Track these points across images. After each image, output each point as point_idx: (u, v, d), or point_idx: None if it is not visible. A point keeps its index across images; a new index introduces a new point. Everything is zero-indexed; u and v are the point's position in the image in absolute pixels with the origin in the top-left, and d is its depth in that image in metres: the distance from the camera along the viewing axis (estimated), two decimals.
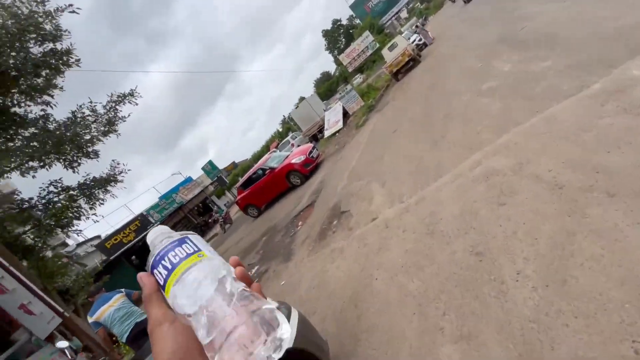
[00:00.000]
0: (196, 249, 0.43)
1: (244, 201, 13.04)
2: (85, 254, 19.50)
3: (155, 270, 0.43)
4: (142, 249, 20.70)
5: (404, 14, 62.78)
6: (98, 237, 23.20)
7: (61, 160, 9.09)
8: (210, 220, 23.95)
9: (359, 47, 46.40)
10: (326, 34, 73.01)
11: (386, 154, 6.77)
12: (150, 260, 0.44)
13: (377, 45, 43.74)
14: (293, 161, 11.73)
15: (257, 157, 35.95)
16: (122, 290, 4.83)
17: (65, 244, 36.81)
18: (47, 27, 7.82)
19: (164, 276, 0.41)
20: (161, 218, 21.92)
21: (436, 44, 17.70)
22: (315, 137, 22.09)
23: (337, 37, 72.98)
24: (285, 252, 6.62)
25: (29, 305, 6.56)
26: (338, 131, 15.99)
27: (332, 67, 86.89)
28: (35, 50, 8.18)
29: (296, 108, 21.27)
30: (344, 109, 16.86)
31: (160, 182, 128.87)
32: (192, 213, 28.09)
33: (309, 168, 11.74)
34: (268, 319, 0.38)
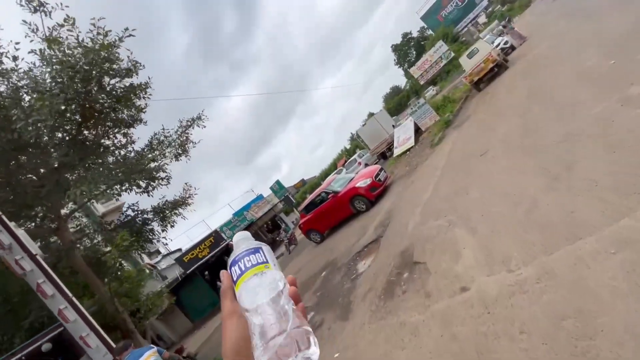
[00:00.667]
0: (264, 260, 0.52)
1: (307, 226, 12.23)
2: (168, 266, 20.80)
3: (232, 268, 0.52)
4: (214, 265, 21.37)
5: (482, 19, 58.01)
6: (179, 250, 24.84)
7: (133, 188, 9.42)
8: (277, 239, 23.90)
9: (431, 57, 43.73)
10: (396, 48, 71.23)
11: (473, 186, 5.20)
12: (231, 258, 0.53)
13: (452, 54, 40.60)
14: (358, 185, 10.56)
15: (325, 174, 35.60)
16: (153, 346, 4.18)
17: (158, 252, 40.79)
18: (123, 62, 8.13)
19: (237, 275, 0.50)
20: (232, 235, 22.57)
21: (527, 46, 15.03)
22: (384, 155, 20.64)
23: (407, 50, 70.62)
24: (344, 303, 5.43)
25: (86, 337, 6.52)
26: (409, 149, 14.37)
27: (401, 81, 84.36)
28: (115, 84, 8.59)
29: (363, 125, 20.19)
30: (415, 124, 15.20)
31: (234, 199, 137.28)
32: (262, 230, 28.58)
33: (376, 193, 10.43)
34: (303, 337, 0.44)
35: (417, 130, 15.53)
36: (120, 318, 8.52)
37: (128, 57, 8.01)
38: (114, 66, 7.74)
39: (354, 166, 22.40)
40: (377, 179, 10.67)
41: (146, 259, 35.84)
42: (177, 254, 22.24)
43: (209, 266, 20.84)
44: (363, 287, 5.34)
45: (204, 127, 10.86)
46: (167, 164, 10.50)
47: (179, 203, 11.21)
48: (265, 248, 0.54)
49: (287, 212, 32.60)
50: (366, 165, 22.02)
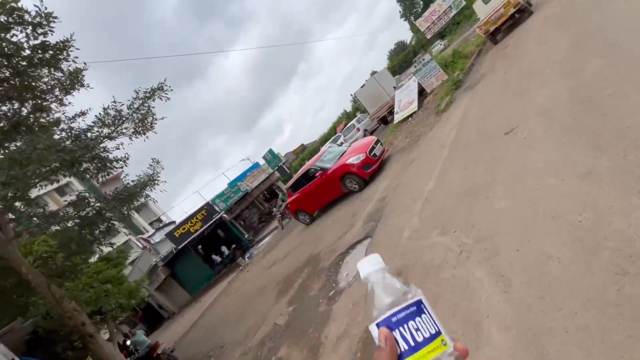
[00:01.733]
0: (437, 330, 0.40)
1: (294, 206, 10.73)
2: (163, 239, 19.88)
3: (393, 333, 0.39)
4: (208, 239, 20.40)
5: None
6: (173, 222, 23.89)
7: (78, 175, 7.83)
8: (274, 210, 22.66)
9: (439, 7, 39.37)
10: None
11: (496, 187, 3.50)
12: (380, 312, 0.40)
13: (464, 3, 36.41)
14: (349, 161, 8.84)
15: (325, 139, 33.61)
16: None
17: (159, 220, 40.22)
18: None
19: (405, 351, 0.38)
20: (226, 207, 21.32)
21: None
22: (385, 119, 18.56)
23: (414, 0, 64.38)
24: (312, 342, 4.02)
25: None
26: (411, 115, 12.38)
27: (407, 36, 78.48)
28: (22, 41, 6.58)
29: (362, 87, 17.91)
30: (419, 85, 13.04)
31: (229, 168, 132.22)
32: (258, 199, 27.38)
33: (370, 171, 8.75)
34: None
35: (422, 93, 13.40)
36: (76, 322, 7.36)
37: (37, 7, 5.99)
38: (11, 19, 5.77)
39: (352, 132, 20.43)
40: (372, 154, 8.92)
41: (145, 226, 35.30)
42: (171, 227, 21.26)
43: (202, 240, 19.88)
44: (338, 322, 3.87)
45: (168, 99, 8.99)
46: (123, 143, 8.82)
47: (146, 184, 9.62)
48: (424, 301, 0.42)
49: (285, 181, 31.21)
50: (365, 132, 20.03)
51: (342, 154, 9.74)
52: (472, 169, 4.37)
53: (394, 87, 15.33)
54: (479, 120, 5.95)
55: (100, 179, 8.40)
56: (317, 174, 9.54)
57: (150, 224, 38.35)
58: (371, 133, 20.50)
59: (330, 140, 23.67)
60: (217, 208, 20.77)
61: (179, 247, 18.19)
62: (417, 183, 5.56)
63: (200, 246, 20.62)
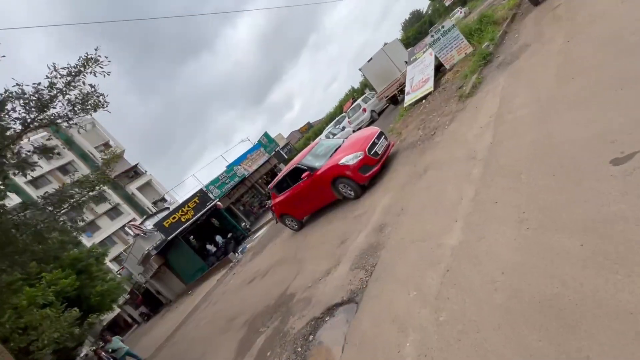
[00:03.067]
0: None
1: (279, 209, 8.81)
2: (152, 234, 18.48)
3: None
4: (201, 228, 18.92)
5: None
6: (168, 209, 22.48)
7: None
8: (266, 205, 20.79)
9: None
10: None
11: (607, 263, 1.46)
12: None
13: None
14: (343, 161, 6.74)
15: (331, 117, 31.09)
16: None
17: (163, 199, 39.11)
18: None
19: None
20: (221, 194, 19.61)
21: None
22: (395, 99, 16.07)
23: None
24: None
25: None
26: (426, 96, 10.02)
27: (423, 5, 72.57)
28: None
29: (369, 61, 15.32)
30: (436, 60, 10.53)
31: (227, 150, 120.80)
32: (259, 184, 25.58)
33: (369, 174, 6.64)
34: None
35: (439, 69, 10.91)
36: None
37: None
38: None
39: (358, 113, 18.00)
40: (373, 152, 6.76)
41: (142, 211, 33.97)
42: (164, 214, 19.79)
43: (195, 229, 18.39)
44: None
45: (108, 74, 6.93)
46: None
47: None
48: None
49: (287, 162, 29.19)
50: (372, 112, 17.58)
51: (336, 149, 7.61)
52: (535, 221, 2.30)
53: (406, 62, 12.77)
54: (532, 117, 3.73)
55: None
56: (303, 175, 7.49)
57: (154, 203, 37.39)
58: (379, 114, 18.04)
59: (334, 121, 21.30)
60: (211, 195, 19.09)
61: (168, 238, 16.73)
62: (431, 223, 3.48)
63: (192, 236, 19.20)
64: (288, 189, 8.25)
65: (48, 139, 35.20)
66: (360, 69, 16.00)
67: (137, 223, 20.83)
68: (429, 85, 10.12)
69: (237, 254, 15.24)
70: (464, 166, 3.98)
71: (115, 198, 37.01)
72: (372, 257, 3.98)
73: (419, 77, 10.84)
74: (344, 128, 13.91)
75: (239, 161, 22.15)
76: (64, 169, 35.14)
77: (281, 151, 21.37)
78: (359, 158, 6.62)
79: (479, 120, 5.00)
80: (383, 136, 7.33)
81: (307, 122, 38.66)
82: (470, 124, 5.18)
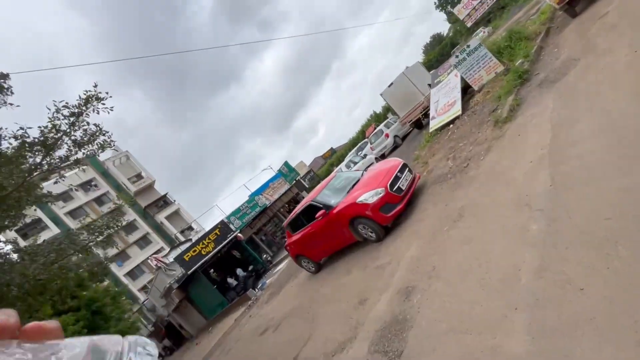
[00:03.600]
0: None
1: (294, 250, 7.98)
2: (173, 267, 18.14)
3: None
4: (222, 260, 18.36)
5: None
6: (189, 240, 22.29)
7: None
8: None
9: None
10: None
11: None
12: None
13: None
14: (362, 199, 5.86)
15: (353, 143, 30.46)
16: None
17: (190, 228, 39.56)
18: None
19: None
20: (242, 225, 19.12)
21: None
22: (419, 123, 15.14)
23: None
24: None
25: None
26: (453, 121, 9.08)
27: (444, 28, 72.44)
28: None
29: (390, 86, 14.67)
30: (463, 81, 9.64)
31: (250, 179, 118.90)
32: (281, 212, 25.00)
33: (392, 214, 5.70)
34: None
35: (466, 90, 9.99)
36: None
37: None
38: None
39: (380, 139, 17.17)
40: (396, 188, 5.85)
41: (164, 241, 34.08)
42: (186, 246, 19.52)
43: (215, 262, 17.86)
44: None
45: (110, 110, 6.66)
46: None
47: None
48: None
49: (309, 190, 28.58)
50: (395, 138, 16.69)
51: (355, 183, 6.77)
52: None
53: (429, 85, 11.97)
54: (611, 152, 2.73)
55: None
56: (318, 215, 6.66)
57: (182, 232, 37.79)
58: (402, 139, 17.10)
59: (356, 148, 20.58)
60: (232, 226, 18.65)
61: (188, 273, 16.24)
62: (477, 304, 2.49)
63: (213, 270, 18.65)
64: (303, 227, 7.44)
65: (85, 170, 37.13)
66: (381, 94, 15.36)
67: (161, 255, 20.69)
68: (456, 109, 9.19)
69: (256, 290, 14.40)
70: (515, 217, 2.99)
71: (144, 227, 37.92)
72: (396, 339, 3.00)
73: (444, 101, 9.95)
74: (365, 156, 13.09)
75: (260, 190, 21.78)
76: (99, 200, 36.66)
77: (302, 180, 20.78)
78: (380, 195, 5.73)
79: (525, 152, 4.01)
80: (407, 169, 6.42)
81: (330, 148, 38.33)
82: (514, 156, 4.19)
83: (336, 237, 6.73)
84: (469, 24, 34.41)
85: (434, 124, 9.93)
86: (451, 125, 9.09)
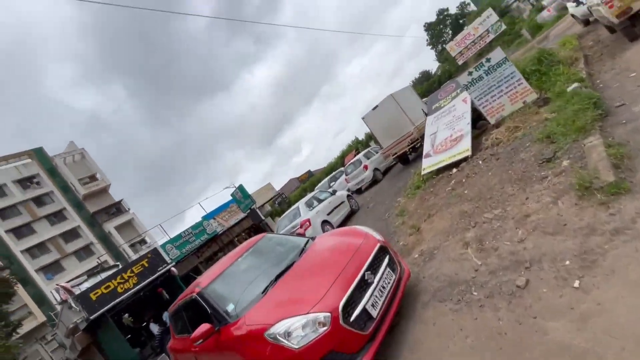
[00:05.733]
0: None
1: (177, 355, 4.39)
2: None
3: None
4: (145, 301, 14.12)
5: None
6: (117, 265, 17.92)
7: None
8: None
9: (475, 30, 32.58)
10: (429, 27, 59.77)
11: None
12: None
13: (504, 26, 30.16)
14: (278, 331, 2.47)
15: (331, 168, 27.32)
16: None
17: (143, 241, 34.49)
18: None
19: None
20: (180, 256, 15.06)
21: None
22: (405, 158, 12.12)
23: (442, 29, 59.06)
24: None
25: None
26: (457, 163, 5.98)
27: (432, 66, 72.90)
28: None
29: (374, 109, 11.67)
30: (474, 109, 6.63)
31: (207, 198, 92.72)
32: (240, 240, 21.03)
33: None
34: None
35: (475, 122, 7.00)
36: None
37: None
38: None
39: (358, 170, 14.03)
40: (356, 316, 2.47)
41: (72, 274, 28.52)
42: (109, 273, 15.10)
43: (132, 303, 13.59)
44: None
45: None
46: None
47: None
48: None
49: (276, 214, 24.83)
50: (375, 171, 13.56)
51: (288, 266, 3.35)
52: None
53: (424, 111, 8.99)
54: None
55: None
56: (200, 331, 3.11)
57: (131, 245, 32.74)
58: (384, 173, 14.00)
59: (329, 177, 17.33)
60: (167, 257, 14.60)
61: (91, 318, 11.99)
62: None
63: (127, 314, 14.37)
64: (185, 333, 3.85)
65: (27, 165, 31.91)
66: (363, 118, 12.32)
67: (70, 285, 16.11)
68: (464, 147, 6.09)
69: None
70: None
71: (89, 236, 32.66)
72: None
73: (445, 134, 6.87)
74: (334, 192, 9.83)
75: (213, 214, 17.94)
76: (39, 200, 31.31)
77: (258, 211, 17.12)
78: (320, 333, 2.31)
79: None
80: (387, 257, 3.05)
81: (307, 170, 35.13)
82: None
83: None
84: (460, 62, 32.99)
85: (428, 164, 6.78)
86: (454, 170, 5.98)
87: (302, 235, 4.34)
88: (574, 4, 10.19)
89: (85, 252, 31.81)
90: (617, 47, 6.34)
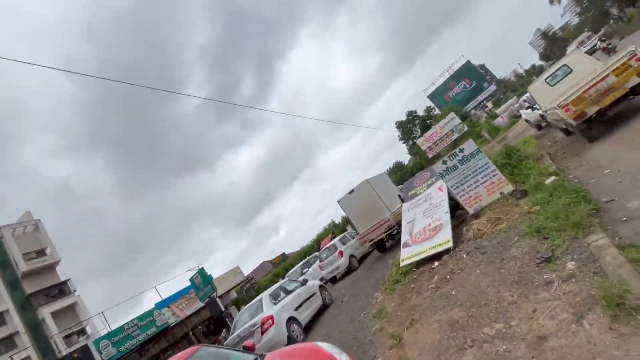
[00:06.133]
0: None
1: None
2: None
3: None
4: None
5: (490, 104, 53.82)
6: None
7: None
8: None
9: (441, 130, 36.75)
10: (400, 125, 66.62)
11: None
12: None
13: (465, 128, 34.23)
14: None
15: (306, 252, 25.87)
16: None
17: (83, 331, 29.23)
18: None
19: None
20: (116, 355, 12.25)
21: None
22: (382, 245, 11.42)
23: (412, 127, 65.84)
24: None
25: None
26: (440, 255, 5.31)
27: (405, 158, 78.69)
28: None
29: (350, 193, 11.43)
30: (451, 197, 6.34)
31: (165, 281, 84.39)
32: (198, 331, 18.00)
33: None
34: None
35: (454, 210, 6.62)
36: None
37: None
38: None
39: (333, 256, 13.00)
40: None
41: None
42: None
43: None
44: None
45: None
46: None
47: None
48: None
49: (243, 302, 22.06)
50: (351, 258, 12.61)
51: None
52: None
53: (400, 197, 8.73)
54: None
55: None
56: None
57: (67, 336, 27.30)
58: (360, 260, 13.04)
59: (301, 263, 16.00)
60: (98, 356, 11.79)
61: None
62: None
63: None
64: None
65: None
66: (338, 201, 11.96)
67: None
68: (445, 237, 5.53)
69: None
70: None
71: (15, 323, 27.28)
72: None
73: (423, 222, 6.38)
74: (305, 281, 8.62)
75: (168, 301, 15.54)
76: None
77: (218, 300, 15.01)
78: None
79: None
80: None
81: (282, 252, 33.16)
82: None
83: None
84: (430, 155, 35.60)
85: (407, 255, 6.07)
86: (436, 263, 5.29)
87: (251, 349, 3.25)
88: (528, 110, 11.34)
89: (6, 344, 26.05)
90: (578, 147, 6.61)
